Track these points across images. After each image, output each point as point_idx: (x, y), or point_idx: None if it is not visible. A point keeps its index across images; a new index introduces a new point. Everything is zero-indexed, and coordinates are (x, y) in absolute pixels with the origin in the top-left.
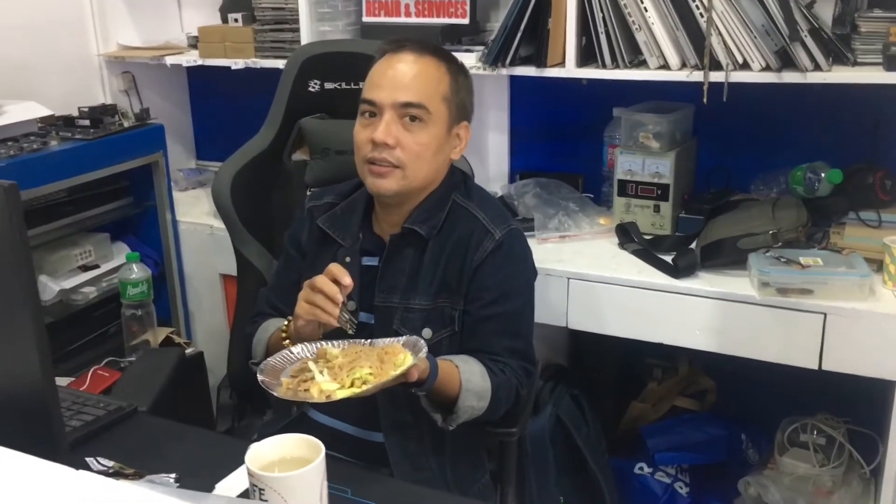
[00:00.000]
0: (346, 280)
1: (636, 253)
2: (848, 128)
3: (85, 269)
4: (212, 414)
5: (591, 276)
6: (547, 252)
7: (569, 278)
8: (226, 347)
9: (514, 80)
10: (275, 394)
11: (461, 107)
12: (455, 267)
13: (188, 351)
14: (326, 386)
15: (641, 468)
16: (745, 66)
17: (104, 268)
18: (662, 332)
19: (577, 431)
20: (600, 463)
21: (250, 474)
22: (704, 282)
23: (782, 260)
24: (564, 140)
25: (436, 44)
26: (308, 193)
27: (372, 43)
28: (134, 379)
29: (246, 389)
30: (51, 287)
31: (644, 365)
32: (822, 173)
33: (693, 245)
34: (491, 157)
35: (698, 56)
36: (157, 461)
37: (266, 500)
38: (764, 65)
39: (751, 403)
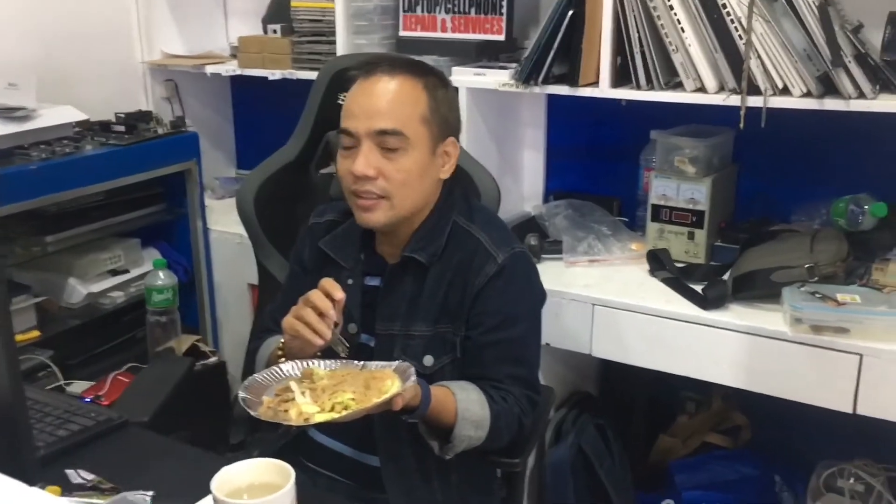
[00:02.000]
0: (339, 294)
1: (666, 281)
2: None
3: (115, 273)
4: (230, 425)
5: (617, 304)
6: (574, 276)
7: (594, 304)
8: None
9: (552, 99)
10: (253, 413)
11: (443, 123)
12: (456, 292)
13: (210, 360)
14: (306, 408)
15: None
16: (786, 91)
17: (134, 273)
18: (689, 365)
19: (600, 463)
20: (624, 498)
21: (215, 501)
22: (734, 314)
23: (817, 296)
24: (601, 161)
25: (409, 59)
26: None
27: None
28: (140, 388)
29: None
30: (79, 290)
31: (676, 397)
32: (866, 206)
33: (726, 276)
34: (526, 176)
35: (736, 80)
36: (140, 477)
37: None
38: (805, 90)
39: (786, 443)
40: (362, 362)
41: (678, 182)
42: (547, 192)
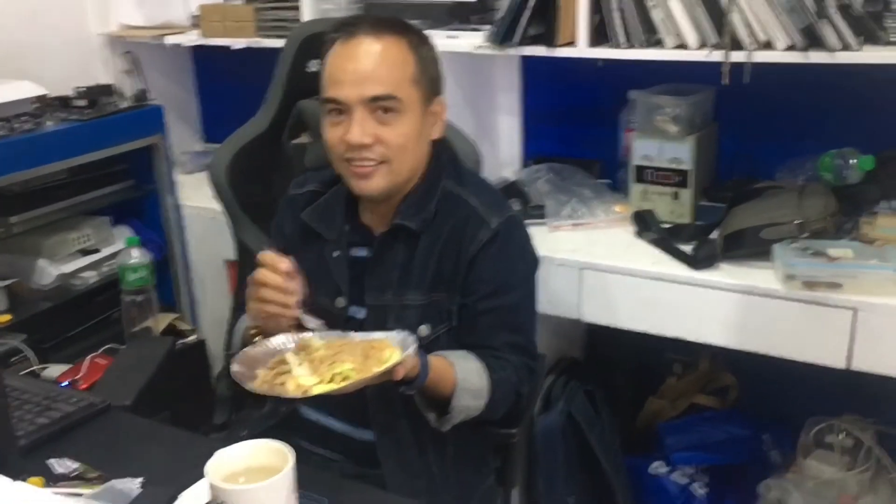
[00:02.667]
0: (282, 265)
1: (653, 242)
2: (881, 111)
3: (85, 252)
4: (213, 405)
5: (605, 267)
6: (559, 240)
7: (581, 268)
8: None
9: (527, 62)
10: (247, 387)
11: (431, 83)
12: (450, 259)
13: (190, 339)
14: (304, 380)
15: (658, 468)
16: (769, 45)
17: (105, 252)
18: (680, 327)
19: (590, 429)
20: (614, 463)
21: (211, 486)
22: (725, 273)
23: (809, 251)
24: (580, 124)
25: (387, 17)
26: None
27: None
28: (120, 370)
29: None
30: (49, 271)
31: (664, 360)
32: (853, 160)
33: (714, 235)
34: (502, 141)
35: (718, 34)
36: (126, 463)
37: None
38: (789, 44)
39: (774, 402)
40: (354, 332)
41: (660, 142)
42: (526, 156)
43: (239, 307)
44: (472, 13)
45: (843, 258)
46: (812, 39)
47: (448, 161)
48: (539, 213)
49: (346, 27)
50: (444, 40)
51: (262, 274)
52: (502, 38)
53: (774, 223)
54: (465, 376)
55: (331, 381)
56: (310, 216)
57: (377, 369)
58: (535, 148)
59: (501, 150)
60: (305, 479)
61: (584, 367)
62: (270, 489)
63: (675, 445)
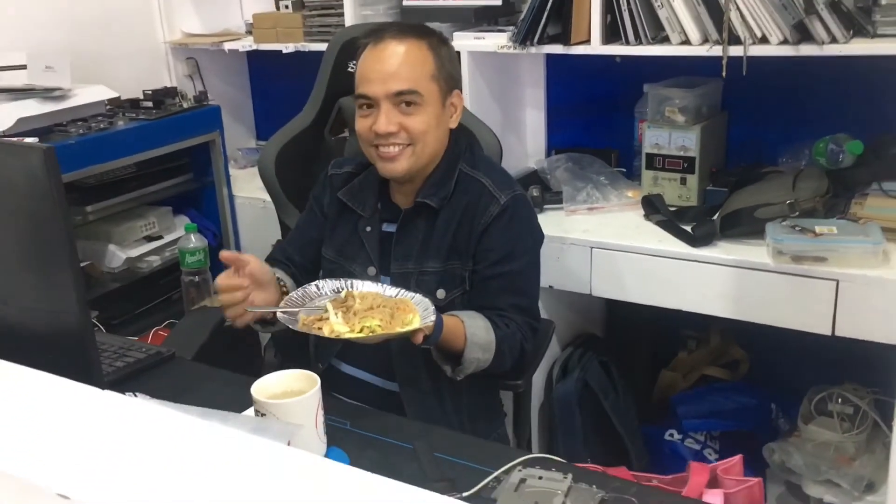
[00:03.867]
0: (243, 260)
1: (660, 224)
2: (875, 99)
3: (150, 239)
4: (260, 369)
5: (613, 245)
6: (574, 223)
7: (591, 247)
8: None
9: (551, 59)
10: (291, 326)
11: (449, 78)
12: (464, 231)
13: None
14: (338, 327)
15: (672, 434)
16: (764, 40)
17: (167, 238)
18: (681, 299)
19: (605, 396)
20: (628, 427)
21: (254, 401)
22: (722, 250)
23: (797, 229)
24: (599, 116)
25: (411, 24)
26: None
27: None
28: (181, 333)
29: (289, 349)
30: (118, 255)
31: (677, 335)
32: (844, 145)
33: (716, 216)
34: (528, 133)
35: (718, 31)
36: (189, 397)
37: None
38: (782, 38)
39: (782, 373)
40: (392, 287)
41: (669, 131)
42: (549, 147)
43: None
44: (499, 16)
45: (828, 234)
46: (804, 33)
47: (464, 147)
48: (557, 198)
49: (375, 33)
50: (472, 41)
51: (220, 281)
52: (523, 37)
53: (768, 203)
54: (475, 332)
55: (360, 332)
56: (346, 195)
57: (399, 329)
58: (559, 139)
59: (528, 142)
60: (332, 408)
61: (601, 341)
62: (300, 404)
63: (686, 414)
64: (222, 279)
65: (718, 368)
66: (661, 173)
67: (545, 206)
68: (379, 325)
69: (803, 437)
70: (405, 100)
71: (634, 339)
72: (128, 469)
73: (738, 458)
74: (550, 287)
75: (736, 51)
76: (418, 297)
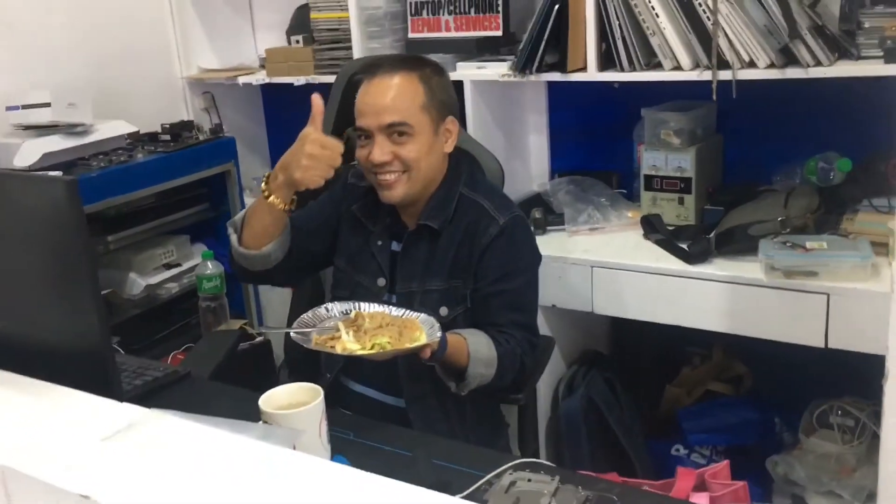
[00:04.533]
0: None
1: (658, 242)
2: (863, 119)
3: (168, 266)
4: None
5: (613, 264)
6: (576, 244)
7: (592, 266)
8: None
9: (552, 86)
10: (305, 345)
11: (441, 106)
12: (465, 251)
13: (257, 339)
14: (349, 345)
15: (678, 449)
16: (753, 64)
17: (185, 266)
18: (678, 315)
19: (609, 412)
20: (633, 442)
21: (262, 413)
22: (717, 267)
23: (788, 245)
24: (600, 140)
25: (405, 56)
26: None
27: None
28: (198, 355)
29: (301, 369)
30: (139, 282)
31: (681, 352)
32: (834, 163)
33: (712, 234)
34: (532, 157)
35: (708, 57)
36: (202, 411)
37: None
38: (769, 62)
39: (784, 388)
40: (398, 309)
41: (666, 153)
42: (553, 171)
43: (299, 310)
44: (500, 46)
45: (819, 249)
46: (790, 57)
47: (464, 170)
48: (560, 220)
49: (370, 68)
50: (474, 71)
51: (321, 140)
52: (523, 66)
53: (761, 221)
54: (478, 348)
55: (371, 348)
56: (360, 210)
57: (408, 345)
58: (561, 163)
59: (531, 166)
60: (339, 421)
61: (605, 358)
62: (305, 414)
63: (692, 429)
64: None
65: (722, 384)
66: (660, 194)
67: (548, 228)
68: (388, 342)
69: (805, 450)
70: (397, 130)
71: (639, 355)
72: (143, 471)
73: (724, 463)
74: (553, 306)
75: (726, 75)
76: (423, 315)
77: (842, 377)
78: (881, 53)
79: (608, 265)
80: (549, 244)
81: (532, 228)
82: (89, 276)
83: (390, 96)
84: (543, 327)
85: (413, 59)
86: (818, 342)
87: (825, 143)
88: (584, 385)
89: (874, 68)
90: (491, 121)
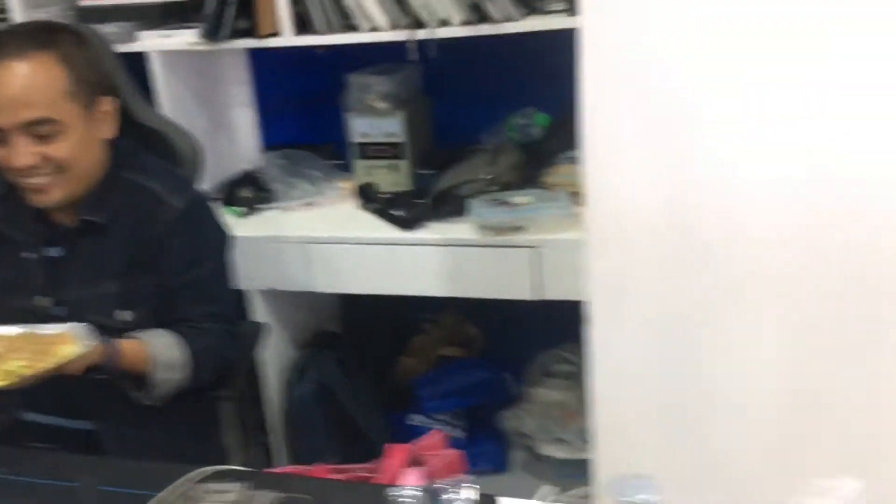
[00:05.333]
0: None
1: (374, 212)
2: (562, 73)
3: None
4: None
5: (328, 238)
6: (290, 220)
7: (306, 243)
8: None
9: (254, 55)
10: None
11: (90, 88)
12: (140, 243)
13: None
14: None
15: (413, 419)
16: (447, 22)
17: None
18: (401, 284)
19: (342, 393)
20: (369, 420)
21: None
22: (432, 231)
23: (497, 202)
24: (312, 111)
25: (34, 27)
26: None
27: None
28: None
29: None
30: None
31: (413, 320)
32: (532, 118)
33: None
34: (239, 133)
35: (404, 16)
36: None
37: None
38: (463, 20)
39: (513, 344)
40: (48, 325)
41: (373, 119)
42: (266, 146)
43: None
44: (189, 12)
45: (524, 204)
46: (481, 14)
47: (129, 154)
48: (271, 197)
49: None
50: (159, 40)
51: None
52: (212, 32)
53: (470, 181)
54: (161, 351)
55: (4, 378)
56: None
57: (49, 365)
58: (275, 137)
59: (240, 142)
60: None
61: (337, 337)
62: None
63: (428, 395)
64: None
65: (455, 348)
66: (374, 162)
67: (258, 207)
68: (24, 366)
69: (533, 402)
70: (39, 130)
71: (371, 330)
72: None
73: (438, 433)
74: (273, 289)
75: (422, 34)
76: (76, 325)
77: (560, 327)
78: (566, 7)
79: (325, 240)
80: (261, 224)
81: (240, 209)
82: None
83: (23, 86)
84: (262, 313)
85: (44, 30)
86: (528, 295)
87: (527, 100)
88: (315, 369)
89: (559, 21)
90: (188, 96)
